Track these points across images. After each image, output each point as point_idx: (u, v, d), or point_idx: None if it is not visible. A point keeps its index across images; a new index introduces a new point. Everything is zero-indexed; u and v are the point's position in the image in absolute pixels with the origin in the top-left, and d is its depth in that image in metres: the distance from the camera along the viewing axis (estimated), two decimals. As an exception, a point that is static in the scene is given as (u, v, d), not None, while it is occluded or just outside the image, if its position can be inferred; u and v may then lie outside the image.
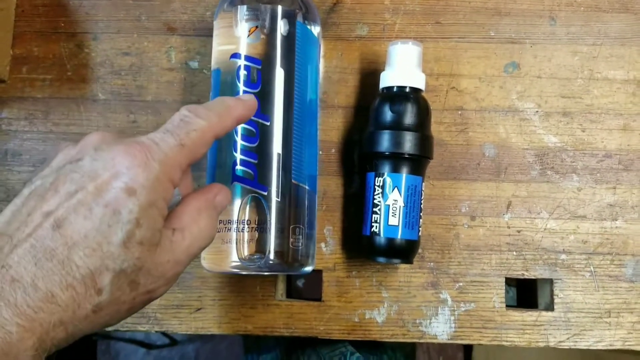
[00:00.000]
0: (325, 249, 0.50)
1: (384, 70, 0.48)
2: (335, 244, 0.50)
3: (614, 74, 0.52)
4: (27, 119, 0.52)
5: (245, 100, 0.36)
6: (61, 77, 0.53)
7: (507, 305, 0.49)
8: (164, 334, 1.39)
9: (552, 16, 0.53)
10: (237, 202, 0.42)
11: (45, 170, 0.31)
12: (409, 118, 0.46)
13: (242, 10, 0.45)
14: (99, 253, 0.28)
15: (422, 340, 0.49)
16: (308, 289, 0.52)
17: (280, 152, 0.43)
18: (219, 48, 0.46)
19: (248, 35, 0.44)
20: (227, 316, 0.49)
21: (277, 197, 0.43)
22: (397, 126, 0.46)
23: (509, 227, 0.50)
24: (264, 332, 0.49)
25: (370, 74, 0.52)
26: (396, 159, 0.46)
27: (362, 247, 0.48)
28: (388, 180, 0.46)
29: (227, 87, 0.45)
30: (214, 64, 0.46)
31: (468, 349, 1.37)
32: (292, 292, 0.56)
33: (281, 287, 0.51)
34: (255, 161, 0.43)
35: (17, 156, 0.52)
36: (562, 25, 0.53)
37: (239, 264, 0.42)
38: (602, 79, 0.52)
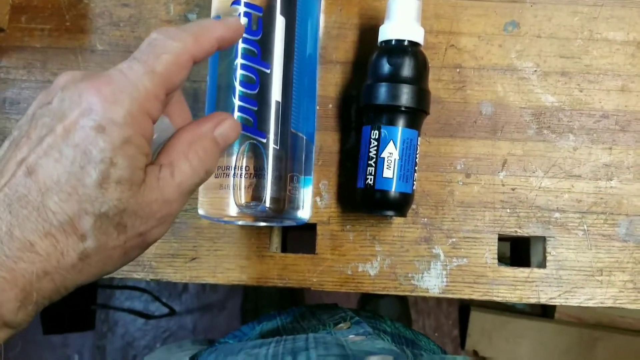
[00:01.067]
0: (320, 202, 0.51)
1: (383, 24, 0.48)
2: (330, 198, 0.51)
3: (614, 35, 0.52)
4: (26, 67, 0.52)
5: (227, 20, 0.33)
6: (60, 27, 0.53)
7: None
8: (163, 303, 1.40)
9: (553, -24, 0.53)
10: (236, 149, 0.43)
11: (22, 119, 0.30)
12: (406, 71, 0.46)
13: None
14: (75, 197, 0.27)
15: (413, 294, 0.49)
16: (302, 247, 0.52)
17: (279, 100, 0.43)
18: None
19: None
20: (221, 266, 0.50)
21: (276, 144, 0.43)
22: (394, 79, 0.46)
23: (503, 185, 0.50)
24: (258, 283, 0.49)
25: (369, 30, 0.52)
26: (392, 112, 0.46)
27: (356, 199, 0.48)
28: (384, 132, 0.46)
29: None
30: (213, 11, 0.46)
31: (463, 326, 1.38)
32: (287, 249, 0.56)
33: (276, 240, 0.51)
34: (255, 108, 0.43)
35: (15, 104, 0.52)
36: (564, -15, 0.53)
37: (236, 210, 0.42)
38: (601, 40, 0.52)
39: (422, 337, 0.57)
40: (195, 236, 0.50)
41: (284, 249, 0.54)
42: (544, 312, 1.36)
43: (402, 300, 1.35)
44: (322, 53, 0.52)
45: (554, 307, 1.33)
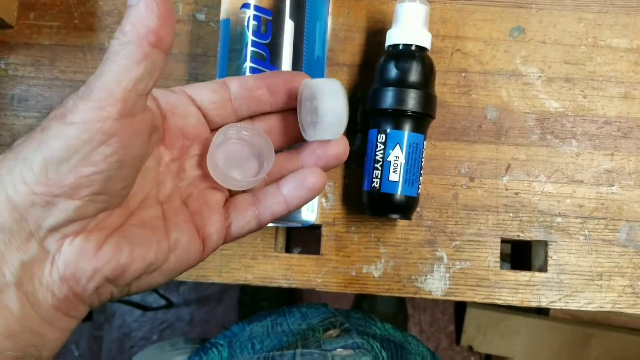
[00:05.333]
0: (326, 204, 0.51)
1: (390, 29, 0.49)
2: (335, 200, 0.51)
3: (618, 42, 0.53)
4: (34, 65, 0.52)
5: None
6: (68, 25, 0.53)
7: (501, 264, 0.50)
8: (161, 295, 1.41)
9: (559, -18, 0.53)
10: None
11: None
12: (413, 76, 0.47)
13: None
14: None
15: (416, 296, 0.50)
16: (307, 247, 0.52)
17: (287, 104, 0.44)
18: (229, -1, 0.46)
19: (258, -13, 0.44)
20: (227, 266, 0.50)
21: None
22: (401, 83, 0.47)
23: (506, 189, 0.51)
24: (263, 283, 0.50)
25: (376, 33, 0.52)
26: (399, 116, 0.47)
27: (362, 202, 0.48)
28: (390, 136, 0.46)
29: (236, 38, 0.45)
30: (223, 14, 0.46)
31: (459, 322, 1.39)
32: (291, 249, 0.57)
33: (281, 240, 0.52)
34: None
35: (23, 101, 0.52)
36: (569, -8, 0.53)
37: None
38: (605, 47, 0.53)
39: (411, 339, 0.58)
40: (201, 235, 0.51)
41: (288, 249, 0.54)
42: (539, 309, 1.38)
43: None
44: (329, 55, 0.52)
45: (548, 304, 1.34)
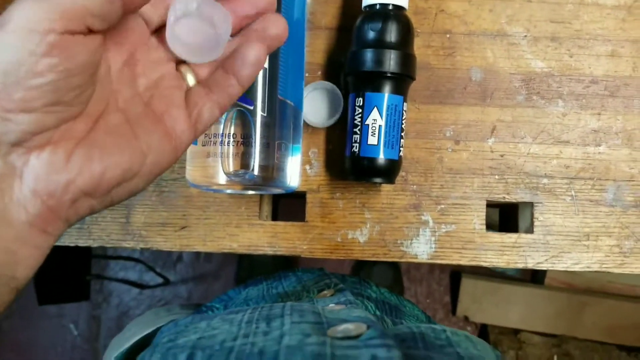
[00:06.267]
0: (310, 171, 0.51)
1: (370, -12, 0.47)
2: (319, 167, 0.51)
3: (605, -1, 0.52)
4: None
5: None
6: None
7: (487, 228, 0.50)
8: (157, 273, 1.41)
9: (545, -62, 0.52)
10: (223, 116, 0.42)
11: None
12: (390, 36, 0.46)
13: None
14: None
15: (402, 260, 0.49)
16: (293, 215, 0.52)
17: (266, 66, 0.43)
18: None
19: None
20: (211, 234, 0.50)
21: (263, 112, 0.43)
22: (378, 44, 0.46)
23: (492, 152, 0.50)
24: (248, 250, 0.50)
25: (358, -5, 0.51)
26: (377, 78, 0.46)
27: (344, 167, 0.48)
28: (367, 99, 0.46)
29: None
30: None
31: (455, 293, 1.40)
32: (278, 217, 0.56)
33: (266, 208, 0.51)
34: (240, 75, 0.42)
35: None
36: (555, -52, 0.52)
37: (224, 178, 0.42)
38: (592, 4, 0.52)
39: (407, 302, 0.58)
40: (184, 205, 0.50)
41: (275, 217, 0.54)
42: (534, 278, 1.38)
43: (395, 268, 1.36)
44: (310, 19, 0.51)
45: (544, 273, 1.34)
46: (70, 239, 0.50)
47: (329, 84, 0.49)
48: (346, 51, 0.51)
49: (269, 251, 0.50)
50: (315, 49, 0.51)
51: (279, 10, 0.44)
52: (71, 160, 0.27)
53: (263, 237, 0.50)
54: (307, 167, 0.51)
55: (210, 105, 0.33)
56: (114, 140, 0.29)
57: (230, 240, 0.50)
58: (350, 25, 0.51)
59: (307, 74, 0.51)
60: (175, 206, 0.50)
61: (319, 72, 0.51)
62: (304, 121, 0.49)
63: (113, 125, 0.29)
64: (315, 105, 0.50)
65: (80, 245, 0.50)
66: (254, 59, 0.32)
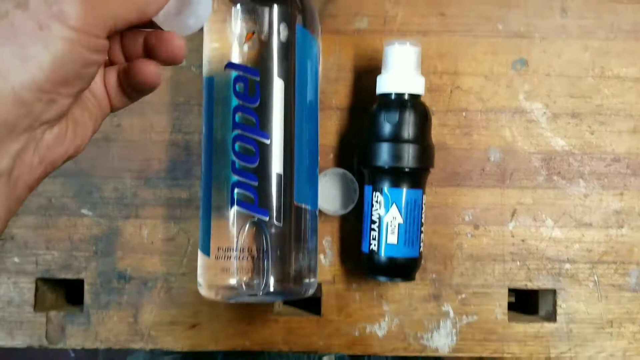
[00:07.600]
0: (325, 260, 0.48)
1: (380, 74, 0.45)
2: (334, 256, 0.49)
3: (626, 71, 0.49)
4: None
5: None
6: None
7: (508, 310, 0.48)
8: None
9: (563, 7, 0.49)
10: (237, 229, 0.40)
11: None
12: (407, 129, 0.43)
13: (238, 11, 0.41)
14: None
15: (423, 354, 0.48)
16: (306, 302, 0.50)
17: (280, 172, 0.40)
18: (212, 46, 0.42)
19: (244, 42, 0.40)
20: (223, 332, 0.48)
21: (279, 221, 0.40)
22: (395, 138, 0.43)
23: (513, 236, 0.49)
24: (262, 348, 0.48)
25: (370, 72, 0.48)
26: (395, 173, 0.43)
27: (361, 264, 0.46)
28: (386, 196, 0.43)
29: (220, 99, 0.41)
30: (207, 71, 0.42)
31: None
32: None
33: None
34: (256, 184, 0.40)
35: None
36: (574, 18, 0.49)
37: (239, 292, 0.40)
38: (613, 77, 0.49)
39: None
40: (195, 302, 0.48)
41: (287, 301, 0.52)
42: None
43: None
44: (320, 98, 0.48)
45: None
46: (77, 341, 0.47)
47: (342, 171, 0.47)
48: (358, 133, 0.48)
49: (284, 348, 0.48)
50: (327, 130, 0.49)
51: (291, 91, 0.41)
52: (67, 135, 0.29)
53: (277, 333, 0.48)
54: (322, 256, 0.48)
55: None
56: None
57: (243, 338, 0.48)
58: (362, 105, 0.49)
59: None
60: (186, 303, 0.48)
61: (331, 155, 0.49)
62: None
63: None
64: (329, 193, 0.48)
65: (86, 347, 0.47)
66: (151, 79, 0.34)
